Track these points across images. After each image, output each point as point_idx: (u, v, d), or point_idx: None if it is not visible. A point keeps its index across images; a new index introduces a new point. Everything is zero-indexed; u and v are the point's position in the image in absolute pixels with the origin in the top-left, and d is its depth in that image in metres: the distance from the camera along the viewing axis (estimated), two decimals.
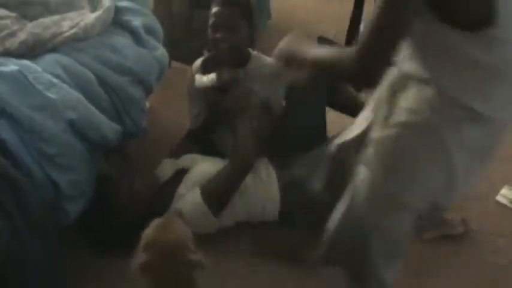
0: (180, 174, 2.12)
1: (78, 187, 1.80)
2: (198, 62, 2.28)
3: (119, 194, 1.93)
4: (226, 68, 2.11)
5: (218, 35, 2.10)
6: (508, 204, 2.40)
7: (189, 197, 1.96)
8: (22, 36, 1.98)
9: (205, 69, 2.20)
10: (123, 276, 1.75)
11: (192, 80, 2.22)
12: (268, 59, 2.26)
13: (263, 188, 2.10)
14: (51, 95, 1.80)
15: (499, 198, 2.43)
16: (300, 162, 2.15)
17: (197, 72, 2.23)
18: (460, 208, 2.33)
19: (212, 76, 2.10)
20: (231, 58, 2.16)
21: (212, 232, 2.03)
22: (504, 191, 2.45)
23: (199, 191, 1.97)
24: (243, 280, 1.96)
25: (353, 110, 2.35)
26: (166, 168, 2.18)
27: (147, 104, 2.46)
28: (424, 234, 2.16)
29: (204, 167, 2.10)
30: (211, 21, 2.12)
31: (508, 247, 2.18)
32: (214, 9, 2.12)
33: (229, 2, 2.11)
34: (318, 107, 2.31)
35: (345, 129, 1.79)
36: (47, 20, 2.08)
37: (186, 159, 2.19)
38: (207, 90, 2.16)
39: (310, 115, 2.29)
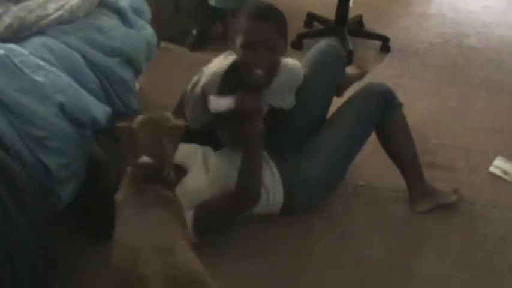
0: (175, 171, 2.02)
1: (69, 170, 1.79)
2: (213, 78, 1.95)
3: (109, 177, 1.92)
4: (250, 93, 1.83)
5: (255, 56, 1.80)
6: (501, 175, 2.41)
7: None
8: (7, 19, 1.95)
9: (223, 90, 1.90)
10: None
11: (202, 95, 1.97)
12: (290, 63, 2.02)
13: (266, 197, 2.01)
14: (39, 78, 1.78)
15: (492, 169, 2.44)
16: (299, 153, 2.10)
17: (211, 90, 1.92)
18: (453, 180, 2.34)
19: (231, 100, 1.82)
20: (261, 82, 1.88)
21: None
22: (497, 162, 2.46)
23: (192, 215, 1.87)
24: (241, 280, 1.93)
25: None
26: None
27: (137, 85, 2.44)
28: (417, 207, 2.17)
29: (199, 178, 1.98)
30: (244, 39, 1.82)
31: (501, 218, 2.20)
32: (247, 24, 1.82)
33: (266, 15, 1.80)
34: (326, 100, 2.19)
35: None
36: (32, 3, 2.05)
37: (184, 151, 2.01)
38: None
39: (319, 110, 2.19)
